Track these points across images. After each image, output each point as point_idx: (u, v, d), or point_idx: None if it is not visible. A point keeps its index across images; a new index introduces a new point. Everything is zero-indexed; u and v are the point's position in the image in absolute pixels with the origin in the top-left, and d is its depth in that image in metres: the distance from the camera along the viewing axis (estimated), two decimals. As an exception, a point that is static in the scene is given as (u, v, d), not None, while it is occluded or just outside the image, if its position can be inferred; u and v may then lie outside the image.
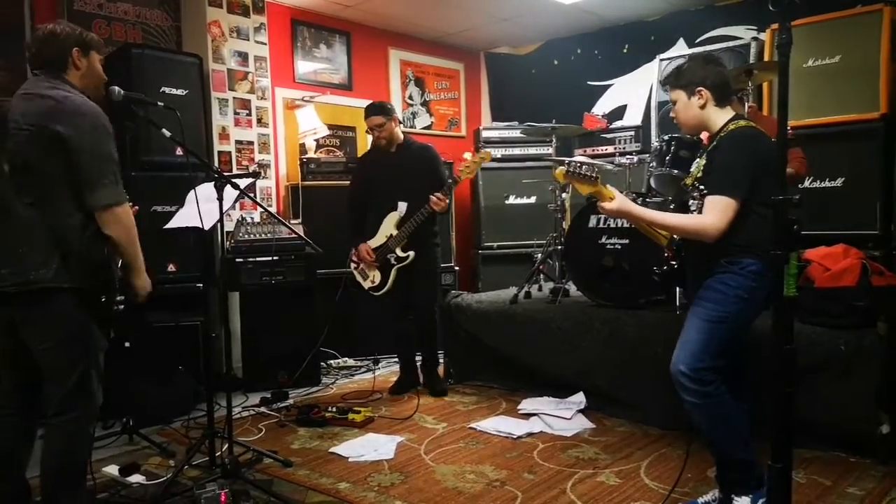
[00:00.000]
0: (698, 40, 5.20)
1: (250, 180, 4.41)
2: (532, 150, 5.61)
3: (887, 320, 2.82)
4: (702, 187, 2.21)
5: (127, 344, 3.33)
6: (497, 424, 3.38)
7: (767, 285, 2.04)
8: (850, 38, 3.74)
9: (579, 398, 3.60)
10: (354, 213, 4.02)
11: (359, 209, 4.02)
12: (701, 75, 2.24)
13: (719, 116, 2.25)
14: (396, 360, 4.29)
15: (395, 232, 3.83)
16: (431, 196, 3.68)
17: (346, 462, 2.98)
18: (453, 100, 6.50)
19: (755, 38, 4.49)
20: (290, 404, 3.87)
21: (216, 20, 4.51)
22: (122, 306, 2.30)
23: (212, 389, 2.93)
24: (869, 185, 3.68)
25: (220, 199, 2.64)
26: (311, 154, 5.04)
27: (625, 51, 5.75)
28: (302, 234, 3.89)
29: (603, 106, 5.88)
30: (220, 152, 4.53)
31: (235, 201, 3.06)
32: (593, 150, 5.43)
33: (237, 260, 4.09)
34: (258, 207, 4.48)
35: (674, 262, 2.36)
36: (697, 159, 2.40)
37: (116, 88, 2.49)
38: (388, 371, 4.56)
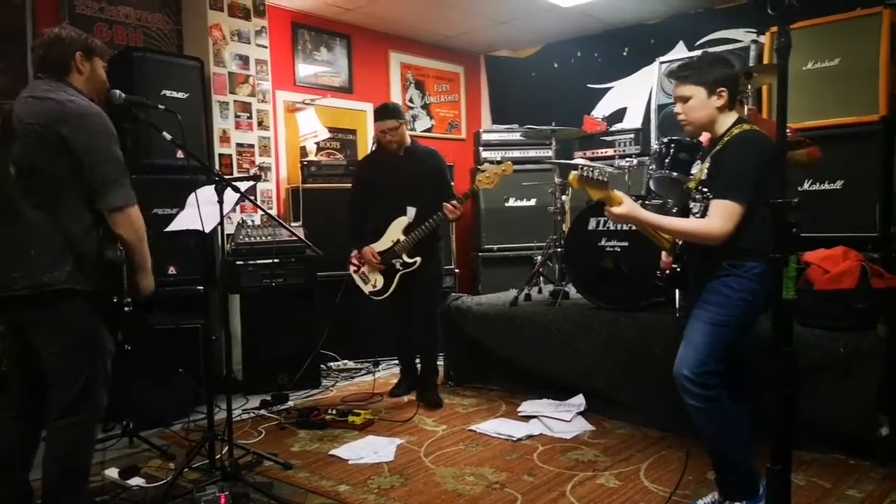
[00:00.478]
0: (698, 43, 5.21)
1: (251, 183, 4.40)
2: (532, 153, 5.62)
3: (887, 322, 2.82)
4: (705, 190, 2.21)
5: (127, 347, 3.32)
6: (497, 427, 3.39)
7: (770, 287, 2.04)
8: (849, 41, 3.75)
9: (579, 400, 3.61)
10: (355, 215, 3.97)
11: (360, 212, 3.96)
12: (723, 75, 2.20)
13: (726, 119, 2.23)
14: (396, 362, 4.28)
15: (402, 237, 3.75)
16: (446, 204, 3.59)
17: (346, 464, 2.98)
18: (453, 102, 6.51)
19: (755, 41, 4.50)
20: (290, 407, 3.87)
21: (217, 23, 4.51)
22: (130, 307, 2.31)
23: (212, 392, 2.94)
24: (868, 188, 3.68)
25: (221, 201, 2.65)
26: (311, 157, 5.05)
27: (624, 54, 5.76)
28: (302, 236, 3.89)
29: (603, 109, 5.89)
30: (220, 155, 4.53)
31: (236, 204, 3.07)
32: (593, 153, 5.43)
33: (237, 262, 4.09)
34: (259, 210, 4.48)
35: (675, 266, 2.36)
36: (699, 162, 2.40)
37: (117, 92, 2.50)
38: (388, 373, 4.56)
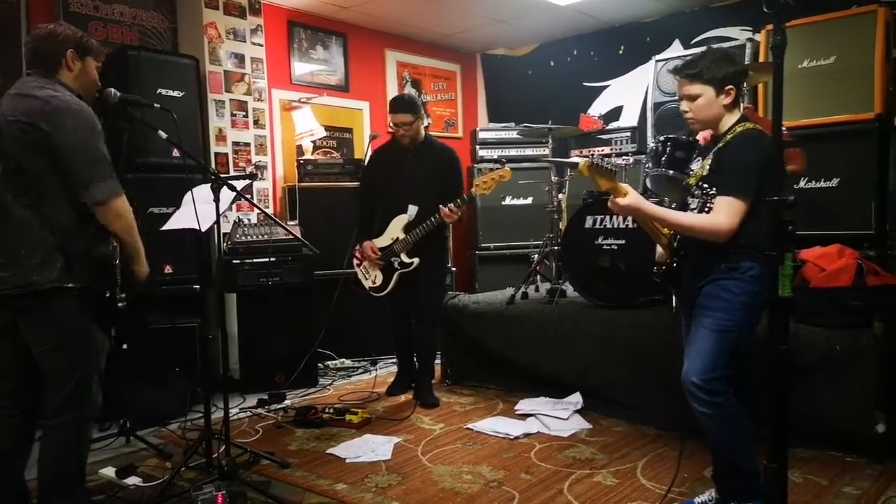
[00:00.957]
0: (694, 41, 5.22)
1: (247, 182, 4.42)
2: (528, 151, 5.63)
3: (883, 320, 2.83)
4: (706, 186, 2.21)
5: (124, 346, 3.33)
6: (494, 425, 3.39)
7: (768, 287, 2.04)
8: (844, 39, 3.76)
9: (576, 398, 3.61)
10: (363, 209, 3.89)
11: (367, 205, 3.89)
12: (732, 73, 2.18)
13: (731, 116, 2.23)
14: (394, 360, 4.28)
15: (401, 235, 3.70)
16: (443, 207, 3.50)
17: (344, 463, 2.98)
18: (450, 101, 6.51)
19: (750, 40, 4.51)
20: (288, 405, 3.87)
21: (212, 22, 4.50)
22: (124, 303, 2.31)
23: (209, 391, 2.93)
24: (864, 186, 3.69)
25: (217, 200, 2.63)
26: (307, 155, 5.04)
27: (621, 52, 5.77)
28: (299, 235, 3.88)
29: (599, 107, 5.89)
30: (216, 154, 4.53)
31: (232, 203, 3.06)
32: (589, 151, 5.43)
33: (234, 261, 4.08)
34: (255, 209, 4.48)
35: (672, 261, 2.36)
36: (700, 159, 2.39)
37: (113, 90, 2.49)
38: (385, 372, 4.56)
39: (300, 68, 5.27)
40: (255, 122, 4.75)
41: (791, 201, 1.66)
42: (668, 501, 2.47)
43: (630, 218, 3.39)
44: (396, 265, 3.73)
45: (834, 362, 2.83)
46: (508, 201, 5.59)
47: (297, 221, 4.60)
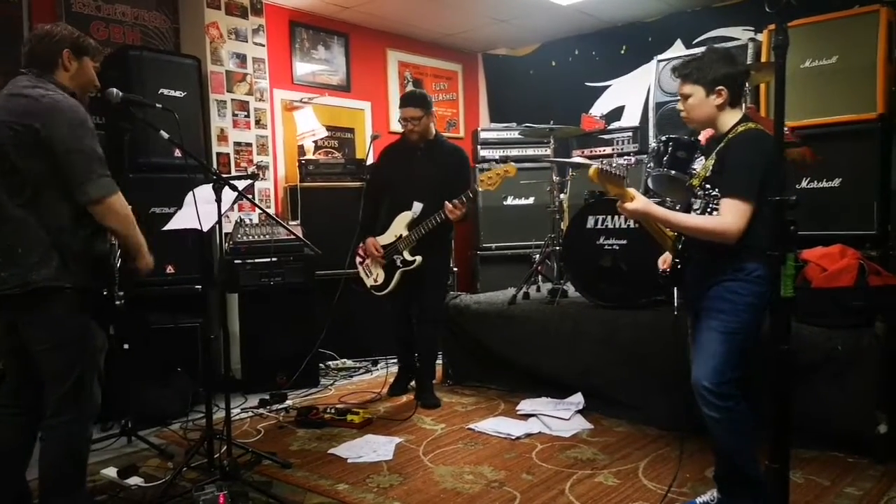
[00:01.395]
0: (696, 41, 5.21)
1: (249, 182, 4.42)
2: (530, 151, 5.62)
3: (884, 320, 2.82)
4: (709, 187, 2.21)
5: (126, 346, 3.33)
6: (496, 425, 3.39)
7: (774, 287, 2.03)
8: (847, 39, 3.75)
9: (577, 399, 3.61)
10: (368, 205, 3.86)
11: (373, 203, 3.87)
12: (724, 74, 2.18)
13: (730, 117, 2.22)
14: (395, 361, 4.28)
15: (405, 233, 3.67)
16: (447, 203, 3.47)
17: (345, 463, 2.98)
18: (451, 101, 6.51)
19: (752, 39, 4.50)
20: (289, 406, 3.87)
21: (214, 22, 4.51)
22: (122, 301, 2.31)
23: (210, 391, 2.93)
24: (866, 186, 3.68)
25: (219, 200, 2.64)
26: (309, 155, 5.04)
27: (622, 52, 5.76)
28: (300, 235, 3.89)
29: (601, 107, 5.89)
30: (218, 154, 4.53)
31: (234, 203, 3.06)
32: (591, 151, 5.43)
33: (236, 261, 4.08)
34: (257, 209, 4.48)
35: (676, 263, 2.35)
36: (702, 159, 2.39)
37: (114, 90, 2.49)
38: (386, 372, 4.55)
39: (302, 68, 5.27)
40: (257, 122, 4.75)
41: (793, 201, 1.66)
42: (669, 501, 2.46)
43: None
44: (399, 263, 3.71)
45: (836, 363, 2.82)
46: (510, 201, 5.59)
47: (298, 221, 4.61)
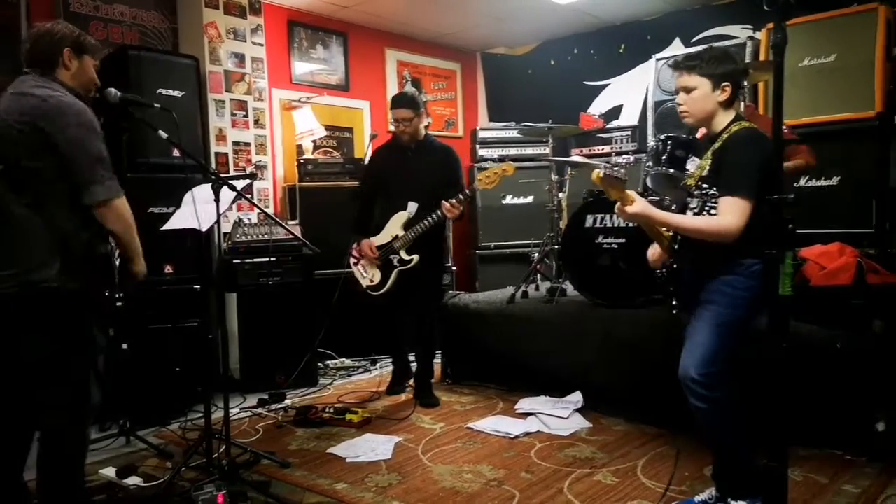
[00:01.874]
0: (694, 40, 5.22)
1: (247, 181, 4.42)
2: (529, 150, 5.62)
3: (883, 318, 2.83)
4: (705, 186, 2.21)
5: (124, 346, 3.33)
6: (494, 424, 3.39)
7: (770, 284, 2.03)
8: (845, 37, 3.75)
9: (576, 397, 3.61)
10: (362, 206, 3.88)
11: (366, 203, 3.88)
12: (732, 70, 2.19)
13: (725, 115, 2.23)
14: (393, 360, 4.27)
15: (401, 233, 3.69)
16: (445, 202, 3.49)
17: (344, 462, 2.98)
18: (450, 100, 6.51)
19: (751, 38, 4.50)
20: (288, 405, 3.87)
21: (213, 21, 4.51)
22: (122, 302, 2.31)
23: (209, 391, 2.93)
24: (864, 184, 3.69)
25: (217, 200, 2.64)
26: (308, 155, 5.04)
27: (621, 51, 5.76)
28: (299, 235, 3.88)
29: (599, 106, 5.89)
30: (217, 153, 4.53)
31: (232, 202, 3.06)
32: (590, 150, 5.44)
33: (234, 261, 4.08)
34: (255, 209, 4.48)
35: (672, 262, 2.36)
36: (696, 159, 2.39)
37: (113, 90, 2.49)
38: (385, 371, 4.55)
39: (300, 68, 5.27)
40: (256, 122, 4.75)
41: (791, 199, 1.66)
42: (667, 500, 2.47)
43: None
44: (395, 263, 3.72)
45: (834, 360, 2.82)
46: (509, 200, 5.59)
47: (297, 221, 4.61)
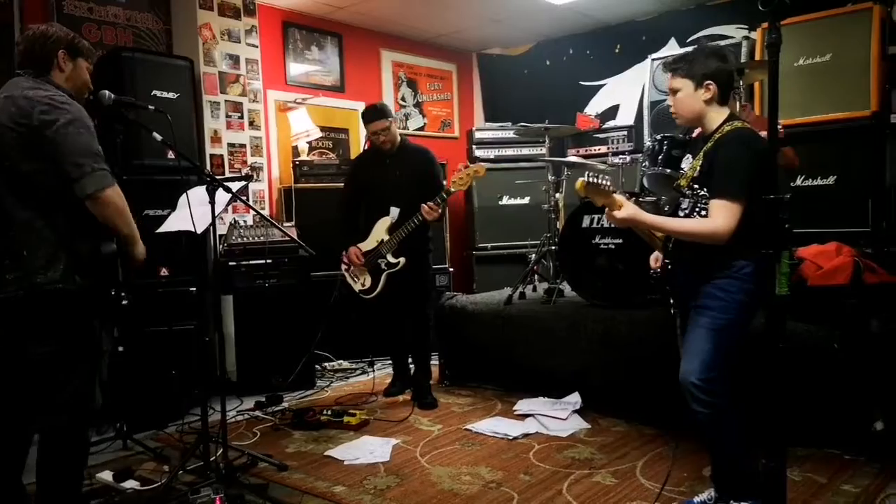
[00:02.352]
0: (689, 40, 5.22)
1: (242, 183, 4.39)
2: (525, 151, 5.61)
3: (880, 317, 2.83)
4: (697, 187, 2.21)
5: (121, 349, 3.31)
6: (493, 425, 3.38)
7: (766, 285, 2.03)
8: (840, 37, 3.76)
9: (575, 398, 3.61)
10: (347, 214, 3.97)
11: (351, 211, 3.97)
12: (714, 69, 2.19)
13: (717, 115, 2.23)
14: (390, 362, 4.27)
15: (386, 237, 3.77)
16: (423, 205, 3.59)
17: (342, 465, 2.97)
18: (446, 101, 6.50)
19: (746, 38, 4.51)
20: (285, 408, 3.85)
21: (207, 23, 4.49)
22: (127, 302, 2.30)
23: (206, 393, 2.92)
24: (860, 183, 3.70)
25: (213, 202, 2.63)
26: (303, 156, 5.03)
27: (617, 51, 5.77)
28: (295, 236, 3.88)
29: (595, 106, 5.90)
30: (212, 155, 4.51)
31: (228, 204, 3.05)
32: (586, 150, 5.43)
33: (230, 263, 4.07)
34: (251, 210, 4.47)
35: (667, 263, 2.35)
36: (690, 159, 2.39)
37: (107, 92, 2.48)
38: (382, 373, 4.54)
39: (295, 69, 5.26)
40: (251, 124, 4.74)
41: (787, 199, 1.66)
42: (665, 500, 2.46)
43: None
44: (383, 266, 3.78)
45: (831, 360, 2.82)
46: (506, 201, 5.58)
47: (293, 223, 4.60)
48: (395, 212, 3.79)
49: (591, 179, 2.07)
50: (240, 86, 4.67)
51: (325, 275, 4.34)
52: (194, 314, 3.89)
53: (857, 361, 2.79)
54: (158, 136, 2.53)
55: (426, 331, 3.98)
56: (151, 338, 3.64)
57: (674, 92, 2.27)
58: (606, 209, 2.18)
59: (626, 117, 5.67)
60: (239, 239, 4.17)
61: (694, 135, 3.08)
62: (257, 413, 3.77)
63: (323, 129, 5.20)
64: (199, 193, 2.70)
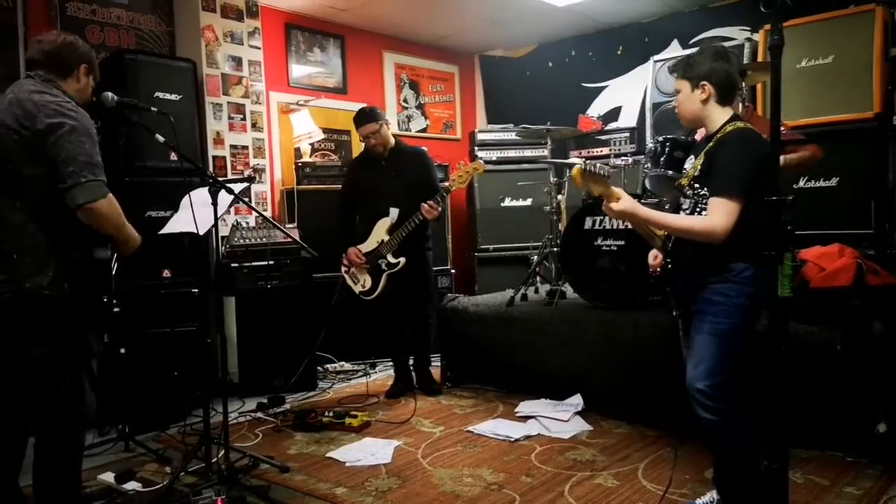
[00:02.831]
0: (692, 41, 5.22)
1: (245, 185, 4.41)
2: (527, 153, 5.62)
3: (883, 319, 2.82)
4: (697, 186, 2.20)
5: (122, 350, 3.32)
6: (494, 427, 3.38)
7: (764, 287, 2.02)
8: (842, 39, 3.76)
9: (576, 400, 3.60)
10: (345, 216, 4.02)
11: (349, 213, 4.02)
12: (708, 69, 2.20)
13: (719, 115, 2.23)
14: (392, 363, 4.27)
15: (386, 238, 3.82)
16: (423, 204, 3.65)
17: (344, 467, 2.97)
18: (448, 102, 6.50)
19: (749, 39, 4.51)
20: (287, 409, 3.86)
21: (210, 25, 4.50)
22: (119, 308, 2.30)
23: (208, 395, 2.92)
24: (863, 185, 3.69)
25: (215, 203, 2.63)
26: (306, 158, 5.03)
27: (619, 52, 5.77)
28: (297, 238, 3.89)
29: (598, 108, 5.89)
30: (214, 157, 4.52)
31: (230, 206, 3.06)
32: (588, 152, 5.43)
33: (232, 265, 4.07)
34: (253, 212, 4.47)
35: (667, 263, 2.35)
36: (693, 158, 2.38)
37: (109, 94, 2.49)
38: (384, 375, 4.55)
39: (298, 71, 5.26)
40: (253, 125, 4.75)
41: (790, 201, 1.65)
42: (667, 503, 2.46)
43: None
44: (384, 266, 3.81)
45: (834, 362, 2.82)
46: (508, 203, 5.58)
47: (295, 224, 4.60)
48: (394, 212, 3.83)
49: (587, 167, 2.07)
50: (242, 88, 4.67)
51: (327, 276, 4.34)
52: (196, 315, 3.90)
53: (859, 363, 2.78)
54: (161, 138, 2.54)
55: (428, 330, 4.02)
56: (154, 339, 3.64)
57: (676, 93, 2.30)
58: (604, 201, 2.18)
59: (628, 119, 5.67)
60: (241, 240, 4.18)
61: (697, 137, 3.08)
62: (259, 414, 3.77)
63: (325, 130, 5.21)
64: (201, 195, 2.70)
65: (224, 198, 2.68)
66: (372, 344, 4.71)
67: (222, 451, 2.75)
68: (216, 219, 2.67)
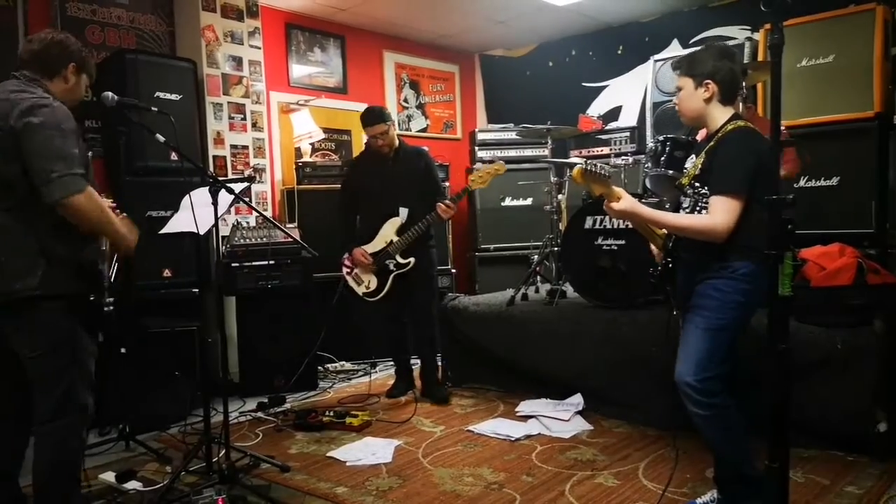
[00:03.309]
0: (692, 41, 5.21)
1: (245, 185, 4.42)
2: (528, 152, 5.62)
3: (883, 318, 2.82)
4: (698, 185, 2.21)
5: (123, 350, 3.32)
6: (495, 427, 3.38)
7: (762, 285, 2.02)
8: (843, 38, 3.75)
9: (577, 399, 3.60)
10: (346, 217, 3.99)
11: (350, 213, 3.99)
12: (712, 68, 2.20)
13: (720, 114, 2.23)
14: (392, 363, 4.27)
15: (395, 238, 3.78)
16: (439, 204, 3.63)
17: (344, 466, 2.97)
18: (449, 102, 6.50)
19: (749, 39, 4.50)
20: (288, 409, 3.86)
21: (210, 25, 4.50)
22: (111, 308, 2.29)
23: (208, 395, 2.92)
24: (864, 184, 3.69)
25: (215, 203, 2.63)
26: (306, 158, 5.03)
27: (619, 52, 5.76)
28: (298, 237, 3.88)
29: (598, 107, 5.89)
30: (215, 157, 4.52)
31: (230, 206, 3.06)
32: (589, 152, 5.43)
33: (233, 265, 4.07)
34: (253, 212, 4.47)
35: (668, 262, 2.35)
36: (693, 157, 2.38)
37: (110, 94, 2.49)
38: (385, 374, 4.55)
39: (298, 70, 5.26)
40: (254, 125, 4.74)
41: (790, 200, 1.65)
42: (667, 502, 2.46)
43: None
44: (392, 267, 3.79)
45: (835, 361, 2.82)
46: (508, 202, 5.58)
47: (295, 224, 4.60)
48: (404, 213, 3.79)
49: (588, 167, 2.07)
50: (243, 87, 4.67)
51: (328, 276, 4.34)
52: (197, 315, 3.91)
53: (860, 362, 2.78)
54: (161, 138, 2.54)
55: (433, 328, 3.99)
56: (154, 339, 3.65)
57: (678, 90, 2.29)
58: (605, 201, 2.18)
59: (628, 118, 5.67)
60: (241, 240, 4.18)
61: (698, 136, 3.08)
62: (260, 414, 3.77)
63: (326, 130, 5.20)
64: (201, 195, 2.70)
65: (224, 197, 2.68)
66: (373, 343, 4.71)
67: (223, 451, 2.76)
68: (216, 218, 2.67)
